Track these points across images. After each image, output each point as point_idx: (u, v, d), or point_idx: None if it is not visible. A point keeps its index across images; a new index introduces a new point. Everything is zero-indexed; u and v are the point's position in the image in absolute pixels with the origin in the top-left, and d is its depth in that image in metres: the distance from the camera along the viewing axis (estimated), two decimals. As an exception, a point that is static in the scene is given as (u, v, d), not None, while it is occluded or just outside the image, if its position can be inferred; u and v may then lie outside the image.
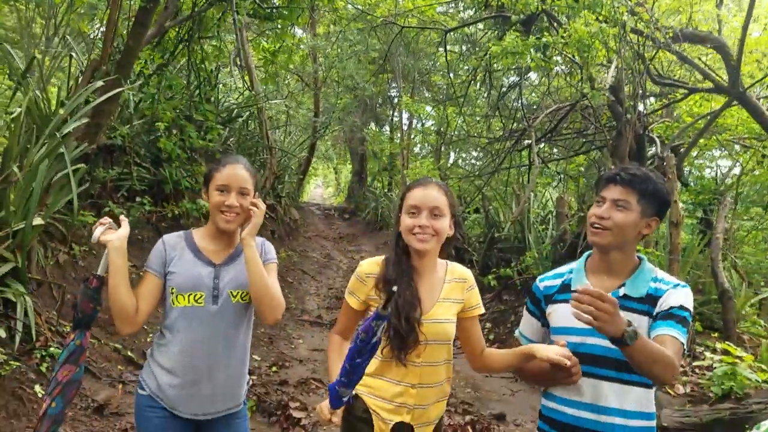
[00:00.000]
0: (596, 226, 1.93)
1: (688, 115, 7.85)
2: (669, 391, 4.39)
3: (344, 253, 13.01)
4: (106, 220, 2.13)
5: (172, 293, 2.12)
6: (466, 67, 11.02)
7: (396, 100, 18.13)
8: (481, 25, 9.99)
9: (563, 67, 8.80)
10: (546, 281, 2.14)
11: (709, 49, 7.61)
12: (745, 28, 6.15)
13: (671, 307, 1.84)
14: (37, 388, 3.43)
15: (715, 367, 4.30)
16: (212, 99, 8.23)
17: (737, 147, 8.64)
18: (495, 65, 8.62)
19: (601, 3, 6.12)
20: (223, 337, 2.14)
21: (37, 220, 3.88)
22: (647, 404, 1.89)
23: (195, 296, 2.12)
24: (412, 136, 17.72)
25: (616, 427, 1.85)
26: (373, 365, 1.98)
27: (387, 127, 20.94)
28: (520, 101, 9.34)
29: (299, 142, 17.08)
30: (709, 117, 7.10)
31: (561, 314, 1.99)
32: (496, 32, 8.92)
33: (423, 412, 2.01)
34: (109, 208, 5.28)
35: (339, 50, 14.40)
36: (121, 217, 2.20)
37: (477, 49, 10.42)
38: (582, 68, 6.90)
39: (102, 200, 5.51)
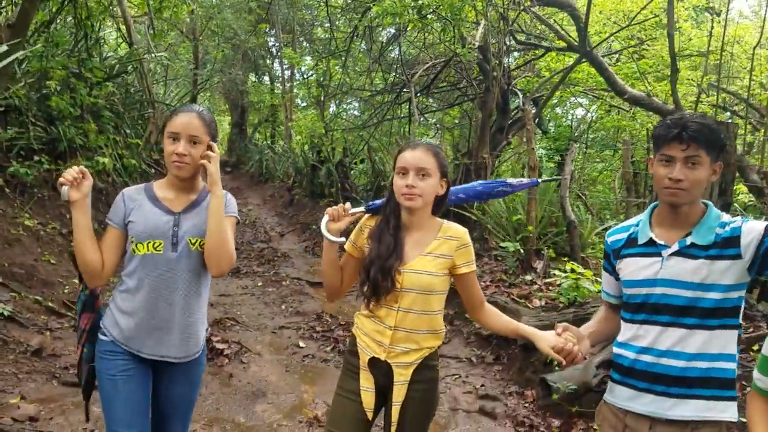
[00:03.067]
0: (672, 188, 1.89)
1: (547, 70, 8.87)
2: (527, 304, 5.37)
3: (232, 206, 13.19)
4: (70, 174, 2.09)
5: (132, 242, 2.18)
6: (347, 17, 11.41)
7: (275, 51, 18.14)
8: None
9: (438, 25, 9.52)
10: (613, 236, 2.13)
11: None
12: (590, -6, 7.09)
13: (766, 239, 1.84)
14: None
15: (561, 283, 5.31)
16: (95, 55, 8.14)
17: (586, 100, 9.81)
18: (375, 22, 9.16)
19: (470, -31, 6.84)
20: (183, 284, 2.19)
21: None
22: (710, 346, 1.89)
23: (154, 244, 2.16)
24: (294, 88, 17.89)
25: (674, 369, 1.90)
26: (366, 307, 2.23)
27: (267, 78, 20.90)
28: (399, 55, 9.98)
29: (179, 95, 16.75)
30: (563, 72, 8.13)
31: (629, 268, 2.02)
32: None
33: (398, 353, 2.15)
34: (13, 167, 5.35)
35: (218, 0, 14.21)
36: (81, 168, 2.15)
37: (356, 2, 10.86)
38: (455, 28, 7.64)
39: (-1, 160, 5.55)
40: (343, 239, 2.23)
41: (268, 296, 6.74)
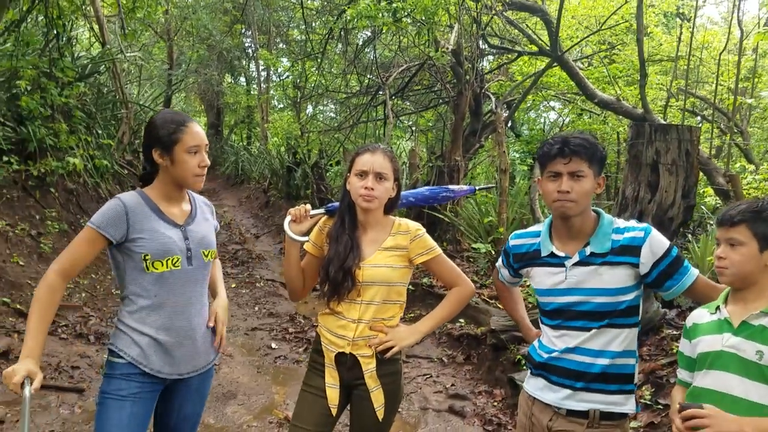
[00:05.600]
0: (561, 200, 1.99)
1: (519, 74, 8.98)
2: (497, 305, 5.45)
3: (208, 208, 13.12)
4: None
5: (146, 260, 2.11)
6: (323, 19, 11.40)
7: (251, 51, 18.06)
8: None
9: (413, 28, 9.58)
10: (516, 239, 2.27)
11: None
12: (561, 1, 7.21)
13: (666, 261, 1.97)
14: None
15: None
16: (66, 54, 8.06)
17: (558, 104, 9.93)
18: (351, 24, 9.19)
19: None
20: (198, 296, 2.24)
21: None
22: (613, 344, 2.01)
23: (172, 260, 2.15)
24: (270, 90, 17.84)
25: (582, 365, 2.02)
26: (326, 306, 2.31)
27: (243, 79, 20.80)
28: (374, 57, 10.02)
29: (153, 96, 16.61)
30: (534, 76, 8.24)
31: (538, 277, 2.15)
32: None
33: (362, 344, 2.23)
34: (-20, 168, 5.29)
35: (192, 0, 14.13)
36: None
37: (331, 5, 10.86)
38: (428, 31, 7.70)
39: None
40: (305, 238, 2.31)
41: (241, 298, 6.73)
